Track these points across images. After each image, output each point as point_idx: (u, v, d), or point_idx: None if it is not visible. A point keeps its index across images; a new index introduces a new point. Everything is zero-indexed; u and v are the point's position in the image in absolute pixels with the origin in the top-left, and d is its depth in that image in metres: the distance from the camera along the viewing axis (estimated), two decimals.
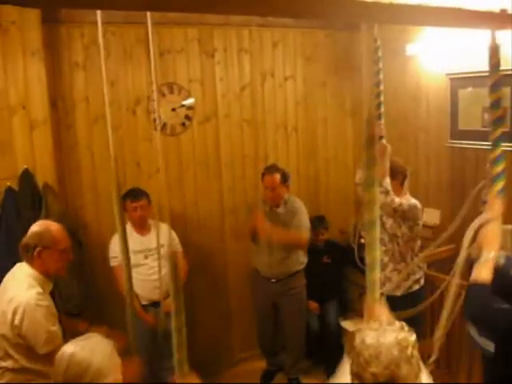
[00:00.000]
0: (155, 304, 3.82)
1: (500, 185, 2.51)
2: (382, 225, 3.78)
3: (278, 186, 4.14)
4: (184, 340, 2.11)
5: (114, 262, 3.77)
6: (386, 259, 3.79)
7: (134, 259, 3.70)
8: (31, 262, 2.67)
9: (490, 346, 2.00)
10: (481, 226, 2.41)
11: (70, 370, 1.72)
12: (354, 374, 1.64)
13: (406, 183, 3.91)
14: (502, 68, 3.70)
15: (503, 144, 3.79)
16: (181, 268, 3.64)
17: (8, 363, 2.58)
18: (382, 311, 2.03)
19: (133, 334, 2.95)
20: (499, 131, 2.45)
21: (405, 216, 3.64)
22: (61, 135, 3.88)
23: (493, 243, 2.27)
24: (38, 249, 2.65)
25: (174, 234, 3.80)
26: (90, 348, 1.76)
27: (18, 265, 2.72)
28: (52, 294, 2.75)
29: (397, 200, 3.57)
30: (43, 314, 2.55)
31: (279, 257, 4.21)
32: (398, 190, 3.73)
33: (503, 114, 3.71)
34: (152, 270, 3.77)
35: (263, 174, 4.21)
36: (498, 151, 2.44)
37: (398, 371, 1.56)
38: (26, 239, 2.69)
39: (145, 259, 3.82)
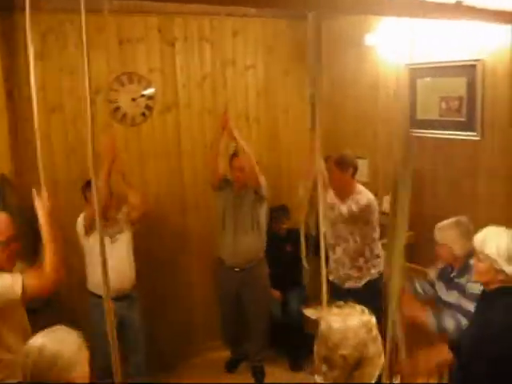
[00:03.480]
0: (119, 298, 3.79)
1: None
2: (338, 223, 3.82)
3: (246, 167, 4.16)
4: None
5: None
6: (344, 258, 3.86)
7: (98, 244, 3.73)
8: None
9: None
10: None
11: (39, 363, 1.70)
12: (322, 359, 1.69)
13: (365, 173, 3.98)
14: (457, 59, 3.82)
15: (460, 133, 3.91)
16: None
17: None
18: None
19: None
20: None
21: (357, 219, 3.70)
22: (17, 126, 3.78)
23: None
24: None
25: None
26: (59, 340, 1.75)
27: None
28: None
29: (344, 209, 3.63)
30: None
31: (245, 242, 4.24)
32: (350, 183, 3.78)
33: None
34: (119, 259, 3.78)
35: (231, 157, 4.22)
36: None
37: (366, 352, 1.64)
38: None
39: (111, 244, 3.78)
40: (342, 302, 1.83)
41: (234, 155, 4.22)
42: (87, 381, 1.87)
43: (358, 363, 1.63)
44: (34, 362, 1.71)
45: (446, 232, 2.99)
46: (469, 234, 2.89)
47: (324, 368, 1.68)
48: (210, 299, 4.63)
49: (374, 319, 1.73)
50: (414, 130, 4.21)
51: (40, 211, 2.66)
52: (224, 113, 4.15)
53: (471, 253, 2.85)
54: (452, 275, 2.99)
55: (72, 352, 1.74)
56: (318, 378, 1.72)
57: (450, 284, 2.99)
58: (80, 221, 3.75)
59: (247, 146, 4.15)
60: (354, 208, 3.66)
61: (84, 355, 1.80)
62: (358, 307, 1.78)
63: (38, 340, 1.76)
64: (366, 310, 1.76)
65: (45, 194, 2.69)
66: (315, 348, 1.73)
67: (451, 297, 2.96)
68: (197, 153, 4.60)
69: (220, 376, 4.52)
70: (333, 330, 1.67)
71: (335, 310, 1.77)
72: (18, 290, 2.49)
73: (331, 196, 3.65)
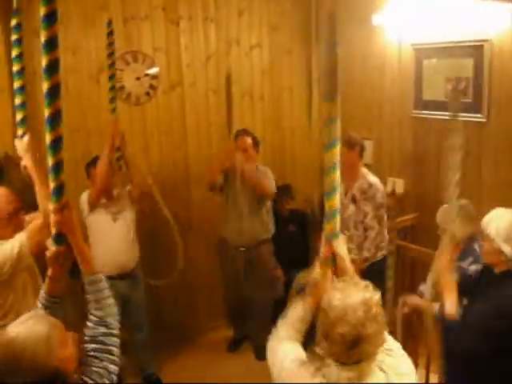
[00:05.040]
0: (122, 276, 3.83)
1: None
2: (344, 211, 3.84)
3: (250, 148, 4.17)
4: None
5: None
6: (350, 245, 3.86)
7: (102, 223, 3.80)
8: None
9: None
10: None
11: (6, 357, 1.69)
12: (323, 335, 1.70)
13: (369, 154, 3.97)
14: (464, 39, 3.79)
15: (466, 114, 3.88)
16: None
17: None
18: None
19: None
20: None
21: (363, 201, 3.71)
22: None
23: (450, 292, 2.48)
24: None
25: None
26: (26, 332, 1.72)
27: None
28: None
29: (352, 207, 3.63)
30: None
31: (248, 224, 4.24)
32: (356, 163, 3.78)
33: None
34: (121, 237, 3.82)
35: (236, 136, 4.21)
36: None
37: (364, 331, 1.64)
38: None
39: (113, 222, 3.81)
40: (347, 277, 1.84)
41: (238, 135, 4.20)
42: (74, 364, 1.80)
43: (356, 341, 1.63)
44: (3, 355, 1.70)
45: (447, 216, 3.00)
46: (470, 218, 2.91)
47: (324, 343, 1.70)
48: (214, 278, 4.65)
49: (376, 296, 1.73)
50: (419, 111, 4.19)
51: (24, 154, 2.68)
52: (229, 147, 4.14)
53: (474, 236, 2.87)
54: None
55: (39, 344, 1.71)
56: (319, 351, 1.75)
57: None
58: (83, 198, 3.77)
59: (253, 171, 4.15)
60: (359, 194, 3.68)
61: (56, 342, 1.75)
62: (363, 283, 1.78)
63: (7, 333, 1.74)
64: (371, 287, 1.77)
65: (27, 136, 2.72)
66: (318, 322, 1.75)
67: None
68: (201, 132, 4.59)
69: (223, 356, 4.56)
70: (332, 307, 1.68)
71: (339, 285, 1.78)
72: (15, 250, 2.54)
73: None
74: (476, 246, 2.87)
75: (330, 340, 1.67)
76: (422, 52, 4.10)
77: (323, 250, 2.09)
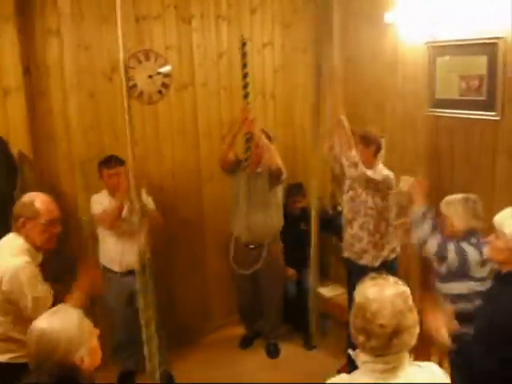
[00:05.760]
0: (131, 272, 3.85)
1: None
2: (356, 197, 3.85)
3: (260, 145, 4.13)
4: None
5: (96, 210, 3.83)
6: (361, 233, 3.86)
7: None
8: (19, 232, 2.70)
9: None
10: None
11: (40, 347, 1.73)
12: (359, 329, 1.74)
13: (382, 153, 3.96)
14: (478, 37, 3.76)
15: (480, 112, 3.86)
16: (154, 218, 3.77)
17: None
18: None
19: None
20: None
21: (378, 187, 3.70)
22: (34, 102, 3.79)
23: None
24: (21, 219, 2.68)
25: (149, 199, 3.88)
26: (59, 323, 1.77)
27: (10, 234, 2.73)
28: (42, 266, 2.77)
29: (369, 172, 3.62)
30: (28, 280, 2.58)
31: (259, 220, 4.24)
32: (371, 161, 3.77)
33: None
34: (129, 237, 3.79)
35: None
36: None
37: (404, 321, 1.69)
38: (14, 209, 2.72)
39: (123, 223, 3.82)
40: (374, 274, 1.86)
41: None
42: (98, 358, 1.91)
43: (396, 331, 1.68)
44: (36, 346, 1.74)
45: (450, 205, 3.04)
46: (474, 212, 2.94)
47: (361, 339, 1.73)
48: (226, 275, 4.66)
49: (408, 290, 1.78)
50: (432, 109, 4.17)
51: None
52: (244, 108, 4.05)
53: (473, 231, 2.90)
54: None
55: (72, 334, 1.76)
56: (351, 352, 1.81)
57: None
58: (95, 199, 3.80)
59: (267, 142, 4.12)
60: (375, 176, 3.66)
61: (86, 333, 1.82)
62: (392, 278, 1.82)
63: (39, 324, 1.78)
64: (400, 281, 1.81)
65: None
66: (351, 320, 1.79)
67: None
68: (213, 131, 4.60)
69: (234, 353, 4.58)
70: (370, 301, 1.72)
71: (370, 282, 1.81)
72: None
73: (355, 154, 3.59)
74: (473, 241, 2.90)
75: (369, 333, 1.71)
76: (435, 50, 4.07)
77: None
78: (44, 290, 2.65)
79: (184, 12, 4.29)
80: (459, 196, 3.05)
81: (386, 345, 1.69)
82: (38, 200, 2.73)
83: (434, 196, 3.79)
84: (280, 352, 4.56)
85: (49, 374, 1.71)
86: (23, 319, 2.53)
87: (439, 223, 3.08)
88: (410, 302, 1.75)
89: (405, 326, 1.69)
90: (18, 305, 2.58)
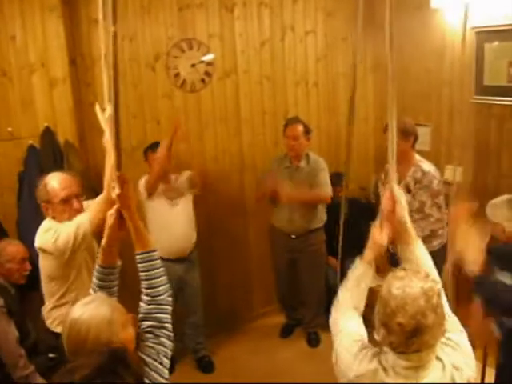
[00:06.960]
0: (179, 260, 3.91)
1: None
2: None
3: (301, 136, 4.13)
4: None
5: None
6: None
7: (161, 208, 3.88)
8: (48, 217, 2.76)
9: None
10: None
11: (71, 337, 1.75)
12: (381, 324, 1.70)
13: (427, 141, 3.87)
14: (506, 23, 3.61)
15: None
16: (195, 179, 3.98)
17: None
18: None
19: None
20: None
21: (420, 188, 3.64)
22: (80, 93, 3.86)
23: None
24: (43, 205, 2.73)
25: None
26: (90, 314, 1.77)
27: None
28: None
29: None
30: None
31: (299, 214, 4.23)
32: (410, 153, 3.71)
33: None
34: (179, 222, 3.92)
35: (285, 125, 4.20)
36: None
37: (424, 321, 1.62)
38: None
39: (172, 207, 3.90)
40: (407, 265, 1.81)
41: (288, 124, 4.18)
42: (133, 344, 1.85)
43: (415, 331, 1.62)
44: (67, 335, 1.76)
45: (497, 210, 2.90)
46: None
47: (382, 331, 1.70)
48: (267, 263, 4.67)
49: (437, 286, 1.71)
50: (480, 96, 4.06)
51: (105, 126, 2.55)
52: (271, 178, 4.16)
53: None
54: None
55: (101, 326, 1.75)
56: (377, 338, 1.76)
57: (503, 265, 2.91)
58: (141, 183, 3.85)
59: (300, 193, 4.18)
60: (413, 184, 3.60)
61: (117, 325, 1.77)
62: (423, 272, 1.76)
63: (72, 313, 1.79)
64: (431, 276, 1.75)
65: (109, 109, 2.46)
66: (376, 309, 1.74)
67: (506, 278, 2.87)
68: (255, 119, 4.59)
69: (275, 341, 4.59)
70: (392, 296, 1.67)
71: (399, 273, 1.75)
72: (80, 229, 2.63)
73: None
74: None
75: (389, 329, 1.67)
76: (483, 35, 3.95)
77: (385, 198, 2.18)
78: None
79: (227, 0, 4.28)
80: (503, 198, 2.91)
81: (405, 343, 1.64)
82: (49, 182, 2.74)
83: (480, 188, 3.70)
84: (320, 341, 4.55)
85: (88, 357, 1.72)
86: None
87: (491, 231, 2.97)
88: (435, 300, 1.66)
89: (425, 326, 1.62)
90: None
